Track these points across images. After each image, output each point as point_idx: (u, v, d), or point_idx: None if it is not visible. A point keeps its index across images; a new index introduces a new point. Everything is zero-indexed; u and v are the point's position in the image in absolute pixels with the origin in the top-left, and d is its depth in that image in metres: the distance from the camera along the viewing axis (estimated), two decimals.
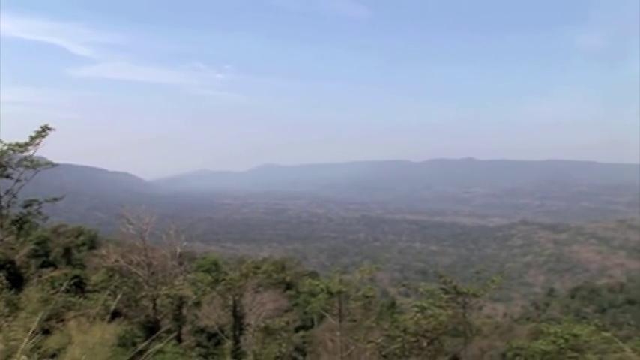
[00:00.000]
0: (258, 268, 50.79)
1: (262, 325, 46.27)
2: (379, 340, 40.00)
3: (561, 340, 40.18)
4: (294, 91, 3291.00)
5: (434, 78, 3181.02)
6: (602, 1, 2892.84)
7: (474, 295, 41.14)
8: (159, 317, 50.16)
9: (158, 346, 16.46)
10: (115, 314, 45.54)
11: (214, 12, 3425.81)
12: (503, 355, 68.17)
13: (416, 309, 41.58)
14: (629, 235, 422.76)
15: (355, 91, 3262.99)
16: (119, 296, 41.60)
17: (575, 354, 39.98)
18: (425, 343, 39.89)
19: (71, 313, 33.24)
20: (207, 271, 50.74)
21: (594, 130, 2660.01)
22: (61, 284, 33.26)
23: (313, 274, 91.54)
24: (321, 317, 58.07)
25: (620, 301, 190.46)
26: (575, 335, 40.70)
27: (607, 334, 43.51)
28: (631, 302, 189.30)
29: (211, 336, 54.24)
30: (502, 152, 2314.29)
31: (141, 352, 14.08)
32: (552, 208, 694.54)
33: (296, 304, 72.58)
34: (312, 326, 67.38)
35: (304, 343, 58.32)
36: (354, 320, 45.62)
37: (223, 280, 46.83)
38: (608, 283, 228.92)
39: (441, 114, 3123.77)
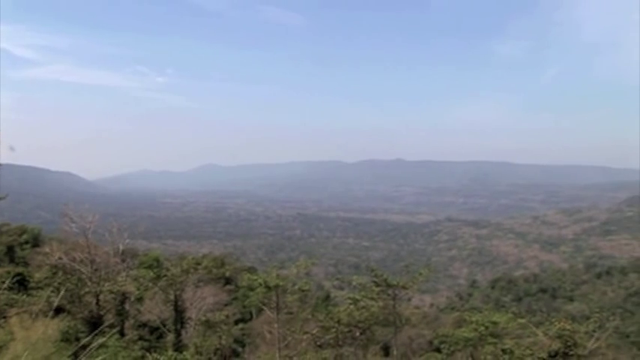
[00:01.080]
0: (198, 264, 50.38)
1: (203, 318, 45.78)
2: (314, 331, 39.97)
3: (482, 328, 40.88)
4: (233, 93, 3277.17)
5: (366, 82, 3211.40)
6: (520, 14, 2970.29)
7: (403, 288, 41.43)
8: (102, 313, 49.04)
9: (101, 340, 16.05)
10: (59, 310, 44.42)
11: (156, 17, 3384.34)
12: (430, 342, 69.02)
13: (349, 301, 41.69)
14: (542, 230, 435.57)
15: (292, 94, 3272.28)
16: (62, 293, 40.57)
17: (494, 340, 40.73)
18: (357, 333, 40.06)
19: (13, 310, 32.23)
20: (150, 267, 49.89)
21: (512, 134, 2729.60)
22: (4, 282, 32.18)
23: (252, 270, 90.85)
24: (260, 310, 57.79)
25: (535, 290, 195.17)
26: (494, 323, 41.47)
27: (522, 321, 44.56)
28: (544, 291, 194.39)
29: (154, 330, 53.34)
30: (429, 154, 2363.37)
31: (84, 347, 13.74)
32: (475, 206, 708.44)
33: (235, 298, 71.97)
34: (250, 319, 66.88)
35: (243, 335, 57.88)
36: (291, 313, 45.50)
37: (165, 276, 46.18)
38: (523, 274, 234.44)
39: (372, 117, 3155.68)
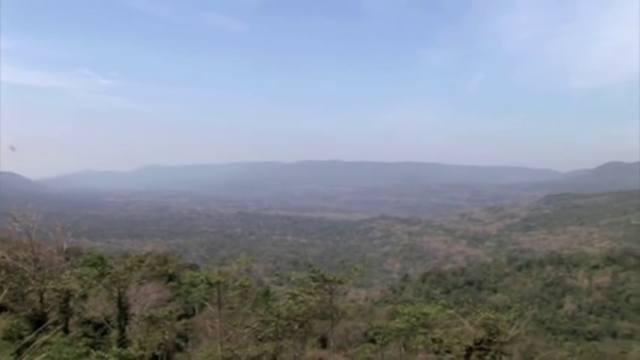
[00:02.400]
0: (142, 261, 49.37)
1: (147, 314, 44.94)
2: (255, 325, 39.78)
3: (414, 319, 41.43)
4: (176, 96, 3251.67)
5: (304, 86, 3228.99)
6: (448, 24, 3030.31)
7: (340, 282, 41.61)
8: (46, 310, 47.59)
9: (44, 338, 15.55)
10: (1, 309, 42.97)
11: (102, 22, 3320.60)
12: (365, 334, 69.53)
13: (288, 296, 41.67)
14: (469, 227, 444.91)
15: (233, 97, 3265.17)
16: (5, 291, 39.23)
17: (425, 330, 41.34)
18: (296, 327, 40.06)
19: None
20: (93, 265, 48.48)
21: (442, 136, 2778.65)
22: None
23: (194, 267, 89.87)
24: (202, 306, 57.14)
25: (462, 283, 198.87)
26: (425, 314, 42.08)
27: (451, 312, 45.39)
28: (470, 283, 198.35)
29: (98, 326, 52.06)
30: (364, 155, 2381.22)
31: (27, 345, 13.32)
32: (407, 204, 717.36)
33: (178, 295, 71.00)
34: (193, 314, 66.06)
35: (186, 330, 57.12)
36: (232, 308, 45.11)
37: (109, 273, 45.08)
38: (452, 268, 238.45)
39: (310, 119, 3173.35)
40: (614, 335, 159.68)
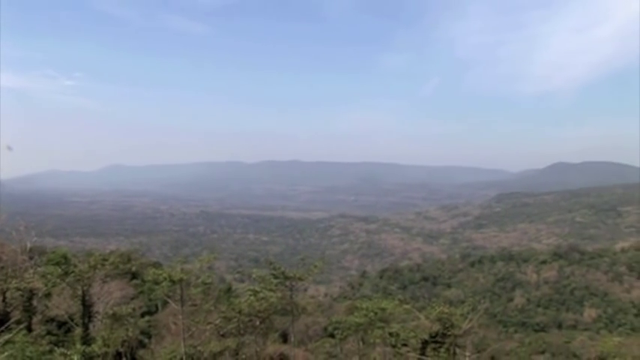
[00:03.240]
0: (105, 260, 48.53)
1: (110, 312, 44.25)
2: (217, 322, 39.60)
3: (372, 314, 41.70)
4: (139, 97, 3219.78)
5: (265, 88, 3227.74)
6: (404, 29, 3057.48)
7: (300, 279, 41.68)
8: (9, 310, 46.60)
9: (7, 336, 15.27)
10: None
11: (66, 23, 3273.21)
12: (325, 328, 69.73)
13: (249, 293, 41.51)
14: (425, 225, 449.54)
15: (196, 98, 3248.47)
16: None
17: (382, 324, 41.67)
18: (258, 322, 39.99)
19: None
20: (57, 264, 47.50)
21: (399, 137, 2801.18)
22: None
23: (157, 265, 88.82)
24: (165, 303, 56.64)
25: (418, 279, 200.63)
26: (382, 309, 42.40)
27: (407, 307, 45.84)
28: (425, 279, 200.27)
29: (62, 324, 51.07)
30: (323, 155, 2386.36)
31: None
32: (364, 203, 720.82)
33: (141, 292, 70.06)
34: (156, 311, 65.35)
35: (150, 327, 56.42)
36: (195, 305, 44.81)
37: (73, 272, 44.24)
38: (408, 264, 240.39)
39: (271, 120, 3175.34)
40: (559, 326, 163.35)
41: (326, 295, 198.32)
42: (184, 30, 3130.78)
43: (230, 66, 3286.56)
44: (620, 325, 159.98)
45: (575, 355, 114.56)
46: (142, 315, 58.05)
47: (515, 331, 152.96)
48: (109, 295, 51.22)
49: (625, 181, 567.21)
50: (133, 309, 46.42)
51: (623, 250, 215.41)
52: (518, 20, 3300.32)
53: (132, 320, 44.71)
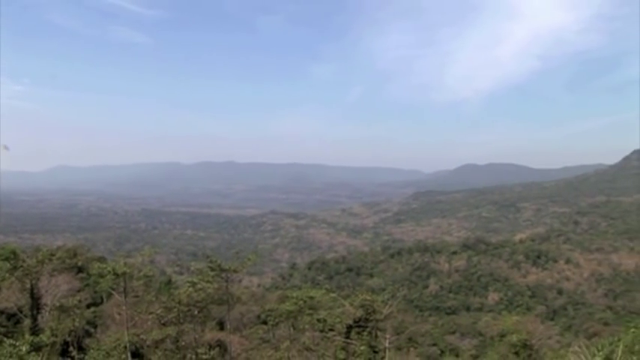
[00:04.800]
0: (53, 255, 47.37)
1: (58, 304, 43.13)
2: (159, 312, 39.15)
3: (301, 302, 42.23)
4: (84, 102, 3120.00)
5: (204, 94, 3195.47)
6: (331, 41, 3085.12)
7: (235, 271, 41.68)
8: None
9: None
10: None
11: (15, 32, 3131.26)
12: (258, 316, 69.80)
13: (188, 284, 41.25)
14: (349, 220, 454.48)
15: (138, 103, 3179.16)
16: None
17: (311, 311, 42.29)
18: (196, 312, 39.79)
19: None
20: (7, 259, 45.85)
21: (326, 140, 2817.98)
22: None
23: (101, 259, 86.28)
24: (109, 295, 55.40)
25: (343, 270, 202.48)
26: (311, 297, 43.01)
27: (333, 295, 46.86)
28: (350, 270, 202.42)
29: (11, 316, 49.29)
30: (257, 157, 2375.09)
31: None
32: (294, 201, 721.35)
33: (87, 285, 68.16)
34: (101, 303, 63.75)
35: (95, 317, 55.07)
36: (137, 296, 44.28)
37: (21, 266, 42.90)
38: (334, 256, 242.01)
39: (208, 124, 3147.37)
40: (468, 309, 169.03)
41: (259, 285, 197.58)
42: (127, 40, 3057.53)
43: (170, 73, 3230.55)
44: (518, 306, 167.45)
45: (480, 334, 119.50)
46: (88, 306, 56.67)
47: (430, 315, 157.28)
48: (56, 288, 49.77)
49: (523, 180, 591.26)
50: (79, 301, 45.31)
51: (520, 241, 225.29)
52: (431, 37, 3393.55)
53: (78, 311, 43.68)
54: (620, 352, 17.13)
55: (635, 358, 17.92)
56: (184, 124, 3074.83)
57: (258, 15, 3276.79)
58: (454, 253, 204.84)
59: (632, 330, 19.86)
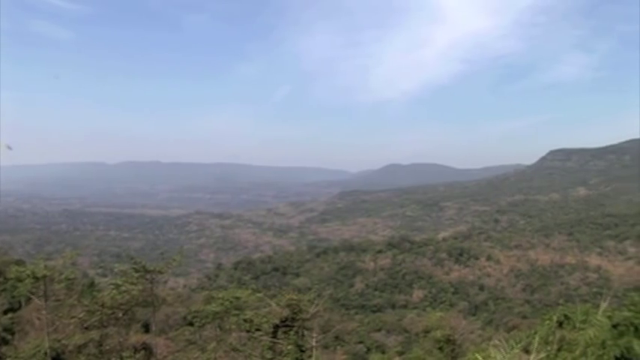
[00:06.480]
0: None
1: None
2: (81, 315, 38.15)
3: (227, 303, 42.17)
4: (3, 99, 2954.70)
5: (128, 92, 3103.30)
6: (256, 40, 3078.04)
7: (160, 272, 41.16)
8: None
9: None
10: None
11: None
12: (184, 318, 68.92)
13: (112, 286, 40.40)
14: (275, 220, 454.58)
15: (59, 100, 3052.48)
16: None
17: (237, 311, 42.30)
18: (120, 314, 39.06)
19: None
20: None
21: (251, 140, 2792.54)
22: None
23: (20, 262, 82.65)
24: (28, 299, 53.32)
25: (269, 269, 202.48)
26: (237, 298, 43.01)
27: (260, 295, 46.89)
28: (276, 269, 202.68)
29: None
30: (181, 156, 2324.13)
31: None
32: (220, 201, 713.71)
33: (4, 290, 65.17)
34: (19, 308, 61.17)
35: (13, 323, 52.84)
36: (59, 300, 42.84)
37: None
38: (260, 256, 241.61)
39: (132, 123, 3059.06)
40: (393, 306, 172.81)
41: (185, 286, 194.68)
42: (49, 36, 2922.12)
43: (93, 71, 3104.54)
44: (441, 303, 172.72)
45: (406, 330, 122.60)
46: (5, 312, 54.41)
47: (356, 313, 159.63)
48: None
49: (446, 180, 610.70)
50: None
51: (443, 239, 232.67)
52: (356, 39, 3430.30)
53: None
54: (536, 344, 18.20)
55: (549, 347, 19.27)
56: (109, 123, 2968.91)
57: (183, 13, 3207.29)
58: (379, 251, 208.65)
59: (547, 322, 21.12)
